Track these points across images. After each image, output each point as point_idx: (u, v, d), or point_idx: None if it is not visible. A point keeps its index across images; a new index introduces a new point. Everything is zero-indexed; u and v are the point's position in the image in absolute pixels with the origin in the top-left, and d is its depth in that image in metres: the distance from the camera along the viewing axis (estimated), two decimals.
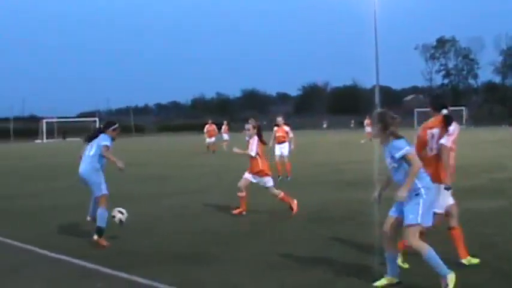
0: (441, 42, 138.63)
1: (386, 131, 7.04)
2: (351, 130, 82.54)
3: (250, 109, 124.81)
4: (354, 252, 9.25)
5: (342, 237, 10.36)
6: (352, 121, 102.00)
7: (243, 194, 13.60)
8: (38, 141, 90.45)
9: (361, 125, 70.44)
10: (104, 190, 10.89)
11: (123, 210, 11.09)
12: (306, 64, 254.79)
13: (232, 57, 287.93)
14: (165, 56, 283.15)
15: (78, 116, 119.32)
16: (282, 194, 13.52)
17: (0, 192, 18.99)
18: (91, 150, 11.06)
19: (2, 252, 10.42)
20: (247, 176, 13.66)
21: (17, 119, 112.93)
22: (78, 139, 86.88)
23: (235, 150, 13.83)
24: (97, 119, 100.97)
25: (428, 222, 6.92)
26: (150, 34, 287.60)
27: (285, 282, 7.63)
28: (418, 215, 6.73)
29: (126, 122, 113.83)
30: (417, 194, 6.81)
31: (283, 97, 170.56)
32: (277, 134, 21.90)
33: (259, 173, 13.51)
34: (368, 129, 49.91)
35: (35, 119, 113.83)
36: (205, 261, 9.09)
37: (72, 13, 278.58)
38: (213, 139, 40.23)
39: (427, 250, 6.67)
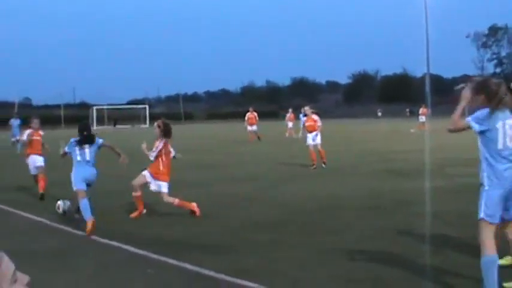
0: (493, 30, 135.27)
1: (494, 101, 6.07)
2: (405, 119, 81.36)
3: (299, 97, 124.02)
4: (405, 243, 9.22)
5: (392, 228, 10.33)
6: (408, 110, 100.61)
7: (138, 193, 12.29)
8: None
9: (414, 114, 69.56)
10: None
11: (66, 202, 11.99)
12: (355, 52, 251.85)
13: (282, 45, 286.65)
14: (215, 44, 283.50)
15: (128, 104, 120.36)
16: (177, 201, 12.13)
17: (52, 179, 19.28)
18: (87, 155, 11.69)
19: (51, 236, 10.66)
20: (146, 174, 12.29)
21: (67, 106, 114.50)
22: (128, 126, 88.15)
23: (143, 147, 12.48)
24: (147, 106, 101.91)
25: None
26: (200, 22, 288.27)
27: (334, 273, 7.66)
28: None
29: (176, 109, 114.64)
30: None
31: (332, 85, 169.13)
32: (307, 124, 22.12)
33: (157, 175, 12.16)
34: (422, 118, 49.19)
35: (85, 106, 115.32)
36: (253, 249, 9.19)
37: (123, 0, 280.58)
38: (254, 127, 40.17)
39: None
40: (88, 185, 11.49)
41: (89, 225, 10.47)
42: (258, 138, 38.89)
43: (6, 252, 1.94)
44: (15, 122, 33.02)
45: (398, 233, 9.95)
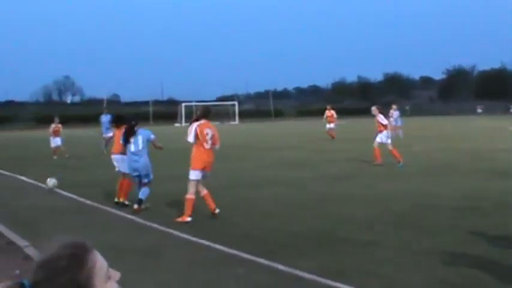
0: None
1: None
2: (506, 116, 78.71)
3: (392, 93, 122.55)
4: (505, 247, 8.95)
5: (491, 230, 10.04)
6: (511, 106, 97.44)
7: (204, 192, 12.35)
8: (177, 124, 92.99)
9: None
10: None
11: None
12: (450, 46, 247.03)
13: (374, 40, 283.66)
14: (305, 40, 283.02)
15: (217, 100, 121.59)
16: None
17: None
18: (139, 145, 13.14)
19: (144, 234, 10.85)
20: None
21: (156, 102, 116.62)
22: (217, 123, 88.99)
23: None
24: (236, 102, 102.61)
25: None
26: (289, 18, 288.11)
27: (430, 276, 7.52)
28: None
29: (266, 106, 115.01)
30: None
31: (426, 81, 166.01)
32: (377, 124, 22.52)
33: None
34: None
35: (173, 103, 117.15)
36: (346, 249, 9.11)
37: None
38: (332, 125, 39.54)
39: None
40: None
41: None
42: (332, 137, 38.31)
43: (97, 249, 1.99)
44: (105, 118, 33.67)
45: (497, 236, 9.66)
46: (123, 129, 13.99)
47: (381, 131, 22.18)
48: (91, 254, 1.98)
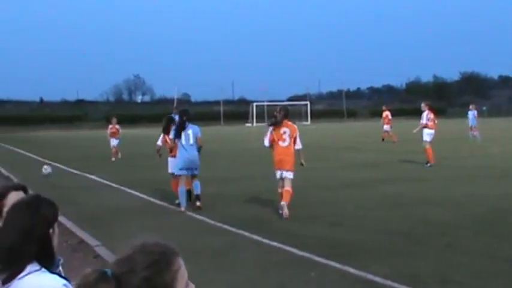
0: None
1: None
2: None
3: (469, 93, 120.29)
4: None
5: None
6: None
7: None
8: (248, 124, 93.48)
9: None
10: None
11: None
12: None
13: (450, 38, 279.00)
14: (379, 37, 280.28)
15: (288, 100, 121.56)
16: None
17: (212, 176, 19.81)
18: (190, 139, 13.62)
19: (213, 235, 10.91)
20: None
21: (227, 102, 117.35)
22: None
23: None
24: (308, 102, 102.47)
25: None
26: (364, 17, 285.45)
27: (509, 285, 7.30)
28: None
29: (338, 106, 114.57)
30: None
31: (505, 80, 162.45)
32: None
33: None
34: None
35: (245, 102, 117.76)
36: (424, 253, 8.99)
37: None
38: (387, 127, 38.81)
39: None
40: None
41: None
42: (382, 139, 37.59)
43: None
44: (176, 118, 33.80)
45: None
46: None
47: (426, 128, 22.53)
48: (178, 258, 2.09)
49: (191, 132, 13.75)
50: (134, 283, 1.98)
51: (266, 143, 13.16)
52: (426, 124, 22.49)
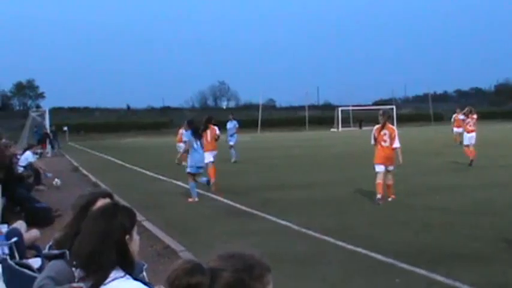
0: None
1: None
2: None
3: None
4: None
5: None
6: None
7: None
8: (333, 129, 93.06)
9: None
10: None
11: None
12: None
13: None
14: (465, 39, 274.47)
15: (374, 104, 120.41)
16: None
17: (297, 181, 19.88)
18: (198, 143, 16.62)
19: (296, 241, 10.90)
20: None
21: (311, 107, 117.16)
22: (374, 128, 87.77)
23: None
24: (394, 106, 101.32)
25: None
26: (449, 15, 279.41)
27: None
28: None
29: (424, 110, 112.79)
30: None
31: None
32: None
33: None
34: None
35: (330, 107, 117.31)
36: None
37: None
38: (460, 129, 37.73)
39: None
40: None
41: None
42: (457, 141, 36.69)
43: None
44: (230, 125, 33.27)
45: None
46: (212, 129, 19.65)
47: (468, 132, 24.88)
48: (270, 275, 2.20)
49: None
50: (228, 281, 2.07)
51: (372, 141, 15.20)
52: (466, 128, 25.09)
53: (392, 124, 15.91)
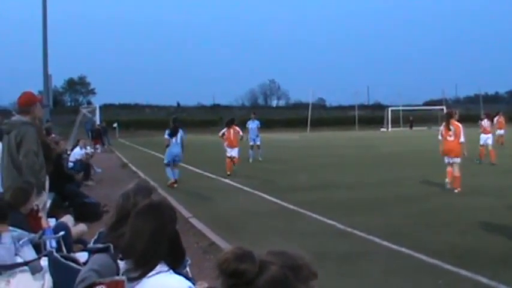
0: None
1: None
2: None
3: None
4: None
5: None
6: None
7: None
8: (383, 129, 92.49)
9: None
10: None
11: None
12: None
13: None
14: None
15: (424, 104, 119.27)
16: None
17: (344, 181, 19.85)
18: (178, 138, 19.81)
19: (341, 240, 10.92)
20: None
21: (361, 106, 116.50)
22: (424, 128, 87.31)
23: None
24: (444, 107, 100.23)
25: None
26: (501, 12, 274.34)
27: None
28: None
29: (475, 110, 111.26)
30: None
31: None
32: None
33: None
34: None
35: (380, 107, 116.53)
36: None
37: None
38: (502, 131, 37.09)
39: None
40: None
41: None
42: (501, 143, 36.00)
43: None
44: (252, 124, 32.77)
45: None
46: (234, 128, 23.77)
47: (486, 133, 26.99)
48: (315, 280, 2.22)
49: (179, 134, 19.82)
50: (274, 275, 2.10)
51: (439, 137, 17.32)
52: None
53: (458, 121, 17.09)
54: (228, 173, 22.43)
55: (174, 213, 3.69)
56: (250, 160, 29.27)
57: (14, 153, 8.09)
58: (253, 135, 30.41)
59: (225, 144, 23.54)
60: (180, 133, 19.90)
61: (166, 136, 20.21)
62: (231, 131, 23.60)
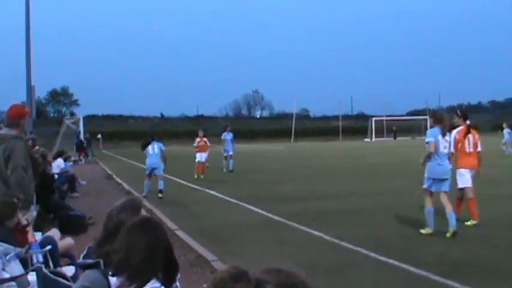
0: None
1: None
2: None
3: None
4: None
5: None
6: None
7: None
8: (367, 139, 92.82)
9: None
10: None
11: None
12: None
13: None
14: (501, 49, 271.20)
15: (408, 114, 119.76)
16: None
17: (330, 191, 19.87)
18: (155, 149, 20.63)
19: (329, 252, 10.89)
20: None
21: (345, 117, 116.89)
22: (408, 138, 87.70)
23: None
24: (427, 117, 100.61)
25: None
26: (485, 23, 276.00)
27: None
28: None
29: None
30: None
31: None
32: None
33: None
34: None
35: (363, 117, 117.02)
36: None
37: None
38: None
39: None
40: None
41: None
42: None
43: (287, 266, 2.13)
44: (228, 136, 33.20)
45: None
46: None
47: None
48: None
49: (156, 146, 20.66)
50: None
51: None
52: None
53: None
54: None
55: (163, 227, 3.70)
56: (224, 170, 30.56)
57: (2, 167, 8.00)
58: (227, 146, 31.79)
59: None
60: (155, 144, 20.78)
61: (142, 149, 21.71)
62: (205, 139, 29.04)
